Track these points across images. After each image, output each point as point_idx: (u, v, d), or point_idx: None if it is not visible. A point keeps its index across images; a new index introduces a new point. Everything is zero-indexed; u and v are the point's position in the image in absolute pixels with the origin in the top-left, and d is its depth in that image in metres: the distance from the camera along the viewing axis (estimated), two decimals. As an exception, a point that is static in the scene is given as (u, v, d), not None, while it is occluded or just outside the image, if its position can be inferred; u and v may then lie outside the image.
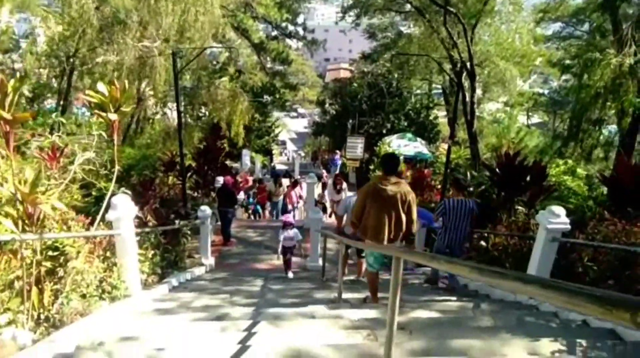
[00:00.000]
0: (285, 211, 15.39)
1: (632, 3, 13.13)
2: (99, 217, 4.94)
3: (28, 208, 3.49)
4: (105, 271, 5.06)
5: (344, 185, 13.77)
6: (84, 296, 4.58)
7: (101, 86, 4.22)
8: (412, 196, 4.97)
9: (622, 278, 4.45)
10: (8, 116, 3.11)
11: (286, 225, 8.17)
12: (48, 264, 4.35)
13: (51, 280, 4.30)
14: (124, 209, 5.12)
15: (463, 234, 6.28)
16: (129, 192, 6.92)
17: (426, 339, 3.80)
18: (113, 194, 5.31)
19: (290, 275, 8.33)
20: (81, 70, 13.14)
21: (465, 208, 6.18)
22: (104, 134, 6.79)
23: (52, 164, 5.42)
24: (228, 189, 10.56)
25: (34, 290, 3.91)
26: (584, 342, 3.75)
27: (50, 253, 4.40)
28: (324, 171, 25.18)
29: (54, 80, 14.50)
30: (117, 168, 4.75)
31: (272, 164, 31.64)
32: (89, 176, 6.10)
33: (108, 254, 5.28)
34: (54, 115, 10.68)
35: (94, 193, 8.01)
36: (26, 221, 3.56)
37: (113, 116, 4.23)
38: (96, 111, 4.43)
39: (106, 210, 5.02)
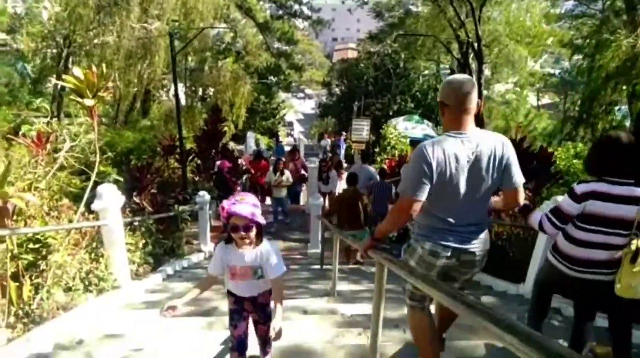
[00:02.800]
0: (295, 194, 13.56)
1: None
2: (81, 208, 4.77)
3: (-2, 202, 3.31)
4: (92, 262, 4.91)
5: (333, 173, 11.89)
6: (69, 289, 4.43)
7: (77, 71, 4.00)
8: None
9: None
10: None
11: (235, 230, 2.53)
12: (29, 257, 4.20)
13: (32, 274, 4.15)
14: (110, 199, 4.94)
15: (384, 205, 8.31)
16: (120, 179, 6.78)
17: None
18: (99, 183, 5.14)
19: None
20: (79, 52, 12.92)
21: (385, 187, 8.73)
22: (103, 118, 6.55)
23: (38, 151, 5.22)
24: (222, 175, 10.27)
25: (12, 284, 3.75)
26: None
27: (31, 245, 4.25)
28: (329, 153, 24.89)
29: (49, 61, 14.27)
30: (97, 157, 4.54)
31: (279, 144, 31.38)
32: (80, 163, 5.89)
33: (96, 244, 5.13)
34: (38, 101, 10.51)
35: (94, 178, 7.86)
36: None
37: (89, 102, 4.02)
38: (72, 96, 4.23)
39: (90, 200, 4.85)
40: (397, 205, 2.47)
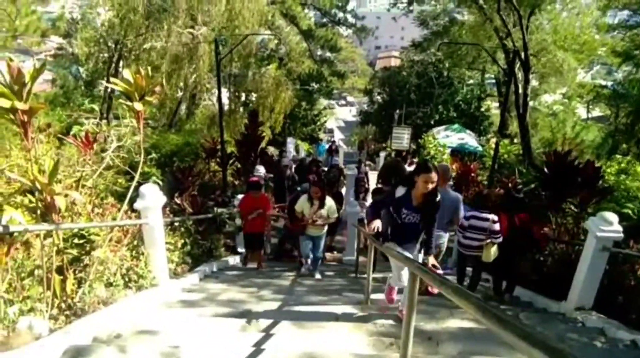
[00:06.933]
0: None
1: None
2: (124, 207, 4.93)
3: (47, 198, 3.46)
4: (133, 259, 5.07)
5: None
6: (110, 284, 4.59)
7: (126, 74, 4.14)
8: None
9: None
10: (25, 107, 3.06)
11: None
12: (74, 252, 4.36)
13: (76, 268, 4.31)
14: (152, 198, 5.10)
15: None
16: (159, 181, 6.97)
17: (451, 355, 3.55)
18: (142, 183, 5.31)
19: None
20: (128, 56, 13.42)
21: None
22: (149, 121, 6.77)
23: (86, 151, 5.44)
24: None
25: (56, 278, 3.91)
26: (631, 368, 3.38)
27: (76, 240, 4.42)
28: (369, 162, 24.84)
29: (101, 65, 14.86)
30: (142, 158, 4.67)
31: (319, 143, 31.47)
32: (125, 163, 6.09)
33: (137, 242, 5.29)
34: (86, 101, 10.96)
35: (137, 179, 8.09)
36: (43, 211, 3.53)
37: (138, 106, 4.14)
38: (121, 100, 4.39)
39: (133, 200, 5.01)
40: None
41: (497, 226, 5.61)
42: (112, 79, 4.25)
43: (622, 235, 4.73)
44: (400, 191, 4.18)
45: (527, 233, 5.71)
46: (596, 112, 32.76)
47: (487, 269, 6.35)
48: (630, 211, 7.35)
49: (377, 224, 4.16)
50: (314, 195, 6.81)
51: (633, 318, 4.48)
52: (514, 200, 6.10)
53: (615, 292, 4.95)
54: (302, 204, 6.91)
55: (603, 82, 30.90)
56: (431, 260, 4.29)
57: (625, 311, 4.64)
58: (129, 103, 4.22)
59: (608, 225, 4.72)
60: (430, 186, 3.92)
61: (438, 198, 4.10)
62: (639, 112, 11.96)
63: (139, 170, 4.70)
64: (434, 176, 3.90)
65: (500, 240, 5.66)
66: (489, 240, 5.66)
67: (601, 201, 7.20)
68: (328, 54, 31.47)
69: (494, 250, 5.67)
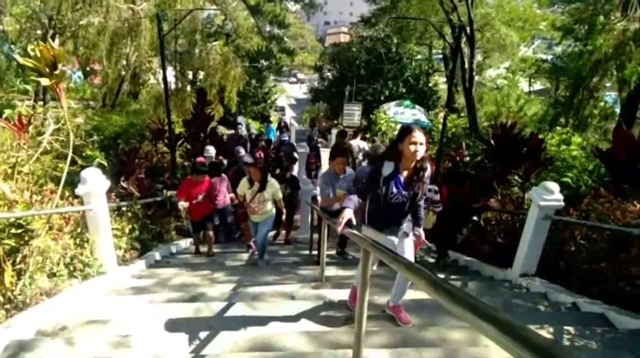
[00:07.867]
0: None
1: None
2: (59, 192, 4.67)
3: (-25, 187, 3.22)
4: (77, 247, 4.85)
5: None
6: (53, 275, 4.38)
7: (30, 49, 3.93)
8: None
9: (616, 260, 4.23)
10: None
11: None
12: (11, 242, 4.12)
13: (14, 259, 4.08)
14: (94, 183, 4.87)
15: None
16: (104, 163, 6.68)
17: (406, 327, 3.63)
18: (84, 167, 5.07)
19: None
20: (63, 33, 12.61)
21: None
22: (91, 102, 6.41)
23: (20, 134, 5.10)
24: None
25: (-8, 270, 3.69)
26: (572, 329, 3.56)
27: (13, 230, 4.17)
28: (321, 139, 24.83)
29: (35, 43, 13.81)
30: (72, 140, 4.44)
31: (269, 125, 31.02)
32: (64, 147, 5.77)
33: (80, 230, 5.06)
34: (18, 81, 10.28)
35: (80, 162, 7.71)
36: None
37: (45, 81, 3.91)
38: (32, 77, 4.15)
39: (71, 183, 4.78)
40: None
41: (437, 197, 5.96)
42: (23, 58, 3.98)
43: (562, 203, 4.94)
44: (387, 168, 3.50)
45: (466, 203, 6.18)
46: (537, 85, 34.02)
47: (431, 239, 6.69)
48: (569, 180, 7.70)
49: (349, 215, 3.37)
50: (253, 177, 6.23)
51: (573, 281, 4.71)
52: (458, 174, 6.63)
53: (556, 258, 5.19)
54: (243, 187, 6.37)
55: (543, 57, 32.01)
56: (421, 232, 4.02)
57: (566, 276, 4.87)
58: (38, 79, 3.99)
59: (550, 194, 4.91)
60: (419, 148, 3.29)
61: (427, 173, 3.49)
62: (577, 85, 12.50)
63: (70, 151, 4.46)
64: (418, 134, 3.31)
65: (440, 208, 6.05)
66: (430, 209, 6.03)
67: (543, 171, 7.49)
68: (277, 30, 30.87)
69: (433, 218, 6.20)
